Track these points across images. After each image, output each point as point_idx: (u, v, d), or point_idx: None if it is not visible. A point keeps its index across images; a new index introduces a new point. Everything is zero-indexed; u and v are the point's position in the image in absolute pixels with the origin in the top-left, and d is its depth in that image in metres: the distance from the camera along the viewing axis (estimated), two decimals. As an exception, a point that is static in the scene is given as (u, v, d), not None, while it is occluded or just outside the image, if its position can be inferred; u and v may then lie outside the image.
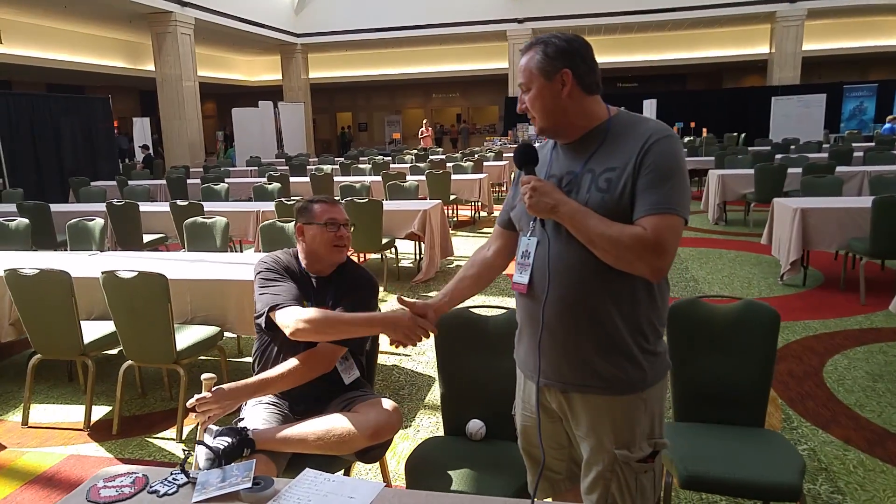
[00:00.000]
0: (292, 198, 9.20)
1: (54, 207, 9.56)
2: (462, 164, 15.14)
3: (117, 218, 8.96)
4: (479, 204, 13.84)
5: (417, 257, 9.73)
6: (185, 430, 4.59)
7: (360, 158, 19.84)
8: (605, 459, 2.13)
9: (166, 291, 4.30)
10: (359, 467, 3.81)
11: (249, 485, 1.99)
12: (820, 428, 4.39)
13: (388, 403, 2.97)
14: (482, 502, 2.02)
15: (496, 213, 3.21)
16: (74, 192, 13.23)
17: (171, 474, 2.09)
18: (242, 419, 2.94)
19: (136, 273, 4.31)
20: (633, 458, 2.12)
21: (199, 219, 6.91)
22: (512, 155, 2.70)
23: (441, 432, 3.25)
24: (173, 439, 4.52)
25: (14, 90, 23.84)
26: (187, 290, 4.96)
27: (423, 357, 5.92)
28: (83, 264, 5.69)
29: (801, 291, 7.64)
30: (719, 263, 9.07)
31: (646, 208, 1.97)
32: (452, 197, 12.48)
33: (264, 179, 12.80)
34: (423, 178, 12.23)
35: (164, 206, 9.38)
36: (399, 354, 5.99)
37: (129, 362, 4.63)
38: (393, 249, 8.80)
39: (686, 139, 21.60)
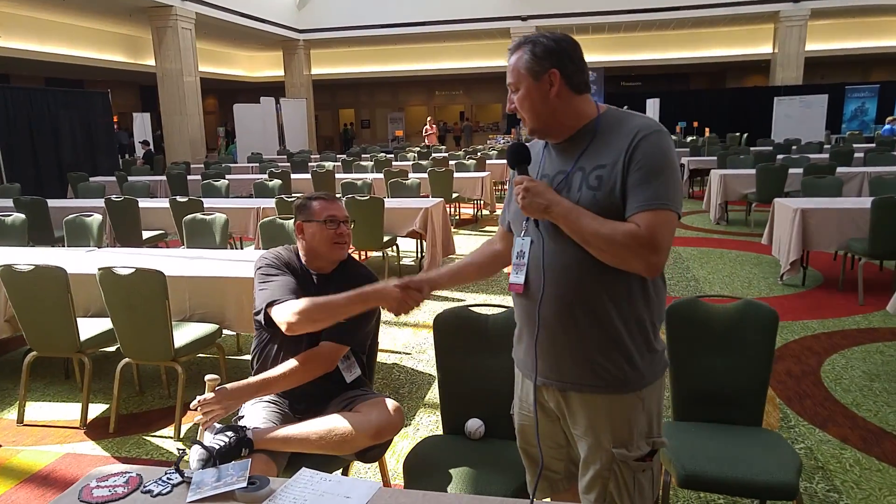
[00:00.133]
0: (293, 195, 9.20)
1: (52, 203, 9.56)
2: (464, 161, 15.13)
3: (116, 214, 8.95)
4: (482, 202, 13.81)
5: (419, 255, 9.74)
6: (184, 429, 4.58)
7: (363, 155, 19.82)
8: (602, 458, 2.13)
9: (164, 288, 4.28)
10: (357, 465, 3.80)
11: (244, 484, 1.98)
12: (817, 427, 4.41)
13: (390, 403, 2.96)
14: (479, 502, 2.01)
15: (498, 212, 3.21)
16: (73, 187, 13.22)
17: (166, 474, 2.07)
18: (242, 417, 2.93)
19: (134, 270, 4.30)
20: (631, 456, 2.12)
21: (199, 215, 6.90)
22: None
23: (440, 431, 3.24)
24: (171, 437, 4.50)
25: (12, 84, 23.77)
26: (186, 287, 4.95)
27: (423, 355, 5.91)
28: (80, 261, 5.67)
29: (801, 291, 7.65)
30: (720, 263, 9.07)
31: (638, 205, 1.97)
32: (454, 195, 12.45)
33: (265, 176, 12.78)
34: (426, 175, 12.21)
35: (163, 203, 9.36)
36: (399, 353, 5.98)
37: (127, 360, 4.62)
38: (394, 247, 8.78)
39: (689, 139, 21.62)
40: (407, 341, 6.29)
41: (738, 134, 22.74)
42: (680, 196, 2.04)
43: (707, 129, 22.41)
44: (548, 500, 2.46)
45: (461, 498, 2.02)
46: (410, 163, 15.95)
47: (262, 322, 2.93)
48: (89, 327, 4.84)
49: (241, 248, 8.77)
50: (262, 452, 2.64)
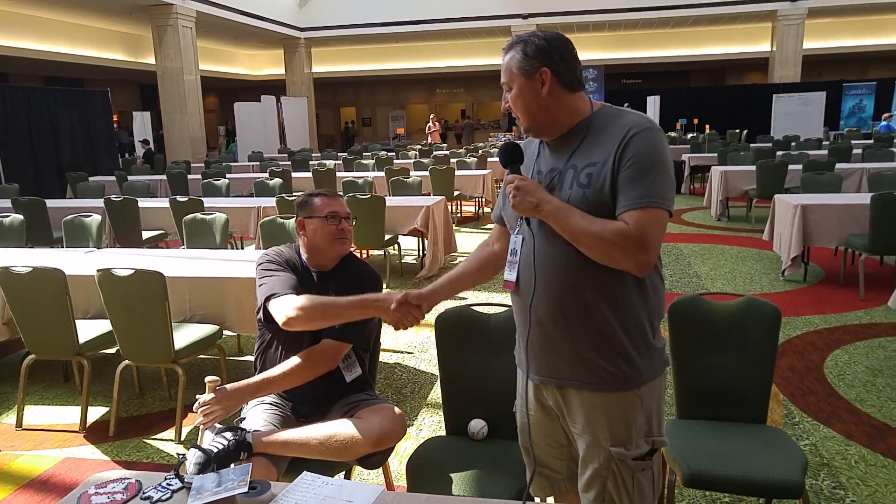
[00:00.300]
0: (294, 193, 9.17)
1: (51, 203, 9.53)
2: (466, 159, 15.13)
3: (116, 214, 8.93)
4: (483, 200, 13.83)
5: (421, 254, 9.71)
6: (185, 431, 4.55)
7: (364, 154, 19.80)
8: (601, 457, 2.13)
9: (164, 289, 4.26)
10: (359, 468, 3.77)
11: (245, 489, 1.96)
12: (821, 423, 4.40)
13: (392, 410, 2.94)
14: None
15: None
16: (72, 187, 13.18)
17: (165, 479, 2.05)
18: (243, 419, 2.91)
19: (133, 271, 4.27)
20: (630, 455, 2.11)
21: (199, 215, 6.88)
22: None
23: (443, 431, 3.22)
24: (172, 440, 4.48)
25: (11, 83, 23.76)
26: (186, 287, 4.92)
27: (425, 355, 5.90)
28: (79, 262, 5.65)
29: (802, 287, 7.65)
30: (722, 259, 9.07)
31: (627, 203, 1.97)
32: (456, 193, 12.46)
33: (266, 175, 12.76)
34: (427, 173, 12.21)
35: (163, 203, 9.34)
36: (401, 352, 5.97)
37: (126, 362, 4.59)
38: (396, 246, 8.76)
39: (689, 135, 21.64)
40: (409, 341, 6.28)
41: (737, 131, 22.75)
42: (672, 193, 2.03)
43: (707, 126, 22.42)
44: (550, 499, 2.44)
45: (464, 500, 2.00)
46: (412, 161, 15.94)
47: (262, 318, 2.92)
48: (88, 329, 4.81)
49: (242, 248, 8.75)
50: (263, 456, 2.62)
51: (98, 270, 4.31)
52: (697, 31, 31.43)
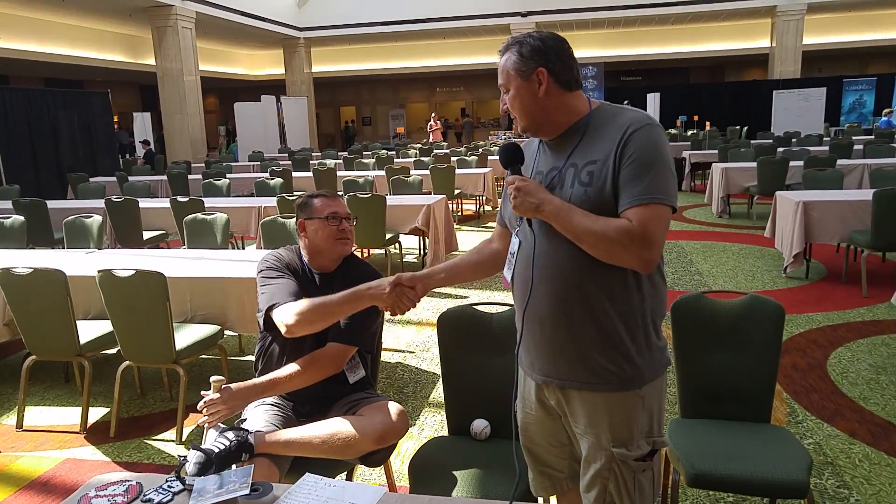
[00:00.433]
0: (294, 193, 9.16)
1: (51, 204, 9.52)
2: (466, 158, 15.11)
3: (116, 215, 8.92)
4: (484, 198, 13.82)
5: (422, 253, 9.71)
6: (186, 432, 4.53)
7: (364, 153, 19.79)
8: (602, 457, 2.12)
9: (165, 290, 4.25)
10: (361, 468, 3.77)
11: (247, 491, 1.95)
12: (825, 421, 4.38)
13: (394, 407, 2.93)
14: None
15: (500, 208, 3.18)
16: (73, 188, 13.19)
17: (167, 481, 2.04)
18: (245, 420, 2.90)
19: (134, 272, 4.26)
20: (631, 456, 2.10)
21: (200, 215, 6.86)
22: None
23: (445, 431, 3.21)
24: (173, 441, 4.46)
25: (11, 85, 23.78)
26: (187, 288, 4.91)
27: (426, 354, 5.88)
28: (80, 263, 5.64)
29: (804, 284, 7.63)
30: (723, 257, 9.05)
31: (630, 200, 1.96)
32: (457, 191, 12.45)
33: (266, 175, 12.76)
34: (428, 172, 12.20)
35: (164, 203, 9.33)
36: (402, 351, 5.95)
37: (127, 363, 4.58)
38: (397, 245, 8.75)
39: (689, 132, 21.64)
40: (410, 340, 6.27)
41: (738, 127, 22.74)
42: (674, 189, 2.02)
43: (708, 123, 22.43)
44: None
45: (467, 502, 1.99)
46: (412, 160, 15.92)
47: (263, 325, 2.91)
48: (89, 330, 4.80)
49: (243, 248, 8.74)
50: (264, 456, 2.61)
51: (99, 271, 4.30)
52: (697, 27, 31.42)
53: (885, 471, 3.75)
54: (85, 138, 17.50)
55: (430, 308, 6.99)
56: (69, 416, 4.94)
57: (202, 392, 2.64)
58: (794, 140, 17.51)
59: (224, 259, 5.72)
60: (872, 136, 17.87)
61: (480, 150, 18.19)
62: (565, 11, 27.27)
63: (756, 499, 3.51)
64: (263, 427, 2.79)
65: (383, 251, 8.68)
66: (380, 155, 17.12)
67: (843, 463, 3.84)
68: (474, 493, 2.59)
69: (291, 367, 2.88)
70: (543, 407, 2.28)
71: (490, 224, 12.71)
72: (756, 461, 2.72)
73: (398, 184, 10.69)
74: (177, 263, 5.47)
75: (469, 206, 14.85)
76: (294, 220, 4.13)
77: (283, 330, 2.74)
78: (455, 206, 13.56)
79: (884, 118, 21.01)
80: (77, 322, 4.58)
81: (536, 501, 2.51)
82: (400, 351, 5.99)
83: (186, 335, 4.64)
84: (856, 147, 14.05)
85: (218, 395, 2.61)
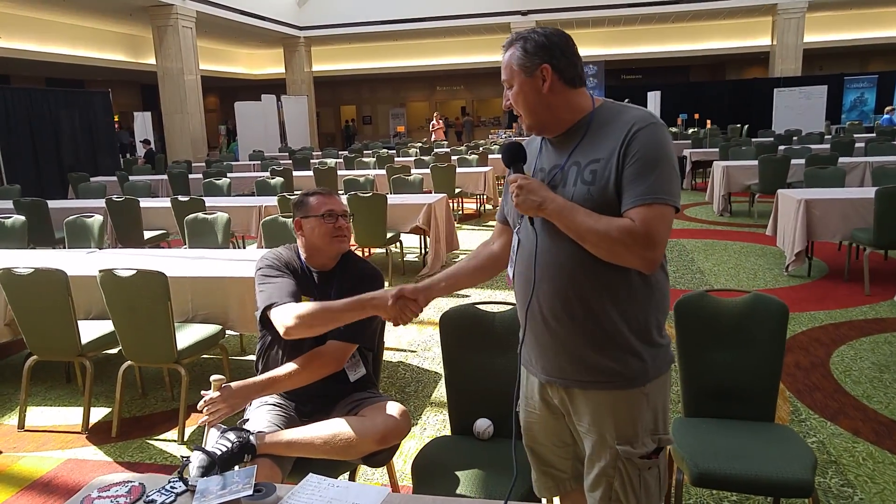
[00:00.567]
0: (295, 192, 9.15)
1: (52, 204, 9.52)
2: (467, 156, 15.10)
3: (117, 214, 8.92)
4: (485, 197, 13.83)
5: (422, 251, 9.69)
6: (188, 431, 4.53)
7: (365, 152, 19.78)
8: (607, 456, 2.11)
9: (166, 290, 4.24)
10: (364, 468, 3.76)
11: (251, 492, 1.94)
12: (828, 420, 4.37)
13: (396, 407, 2.91)
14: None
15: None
16: (74, 187, 13.20)
17: (169, 482, 2.03)
18: (247, 420, 2.89)
19: (135, 271, 4.26)
20: (636, 454, 2.09)
21: (201, 215, 6.86)
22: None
23: (447, 430, 3.21)
24: (175, 441, 4.45)
25: (12, 84, 23.77)
26: (188, 287, 4.91)
27: (428, 353, 5.88)
28: (81, 262, 5.63)
29: (806, 282, 7.62)
30: (725, 255, 9.04)
31: (633, 199, 1.95)
32: (457, 190, 12.45)
33: (267, 174, 12.76)
34: (428, 171, 12.20)
35: (165, 202, 9.32)
36: (404, 351, 5.95)
37: (129, 362, 4.57)
38: (398, 244, 8.74)
39: (690, 130, 21.65)
40: (412, 339, 6.26)
41: (739, 125, 22.75)
42: (677, 189, 2.01)
43: (709, 121, 22.43)
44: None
45: (471, 502, 1.99)
46: (413, 159, 15.92)
47: (261, 324, 2.91)
48: (90, 330, 4.79)
49: (244, 248, 8.73)
50: (267, 457, 2.61)
51: (100, 271, 4.30)
52: (697, 25, 31.41)
53: (889, 469, 3.74)
54: (86, 138, 17.50)
55: (431, 307, 6.92)
56: (71, 416, 4.93)
57: (202, 392, 2.64)
58: (795, 138, 17.52)
59: (225, 258, 5.71)
60: (874, 134, 17.87)
61: (481, 148, 18.19)
62: (566, 10, 27.26)
63: (759, 497, 3.50)
64: (265, 427, 2.78)
65: (384, 250, 8.68)
66: (380, 154, 17.13)
67: (847, 461, 3.83)
68: (478, 493, 2.58)
69: (292, 365, 2.87)
70: (547, 406, 2.27)
71: (491, 222, 12.70)
72: (760, 460, 2.71)
73: (399, 183, 10.69)
74: (178, 263, 5.47)
75: (470, 205, 14.85)
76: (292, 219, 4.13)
77: (281, 331, 2.73)
78: (456, 204, 13.55)
79: (885, 116, 21.03)
80: (78, 322, 4.57)
81: (539, 502, 2.50)
82: (401, 350, 5.98)
83: (188, 335, 4.64)
84: (857, 145, 14.05)
85: (218, 393, 2.61)
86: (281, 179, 11.10)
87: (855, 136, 16.71)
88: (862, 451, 3.94)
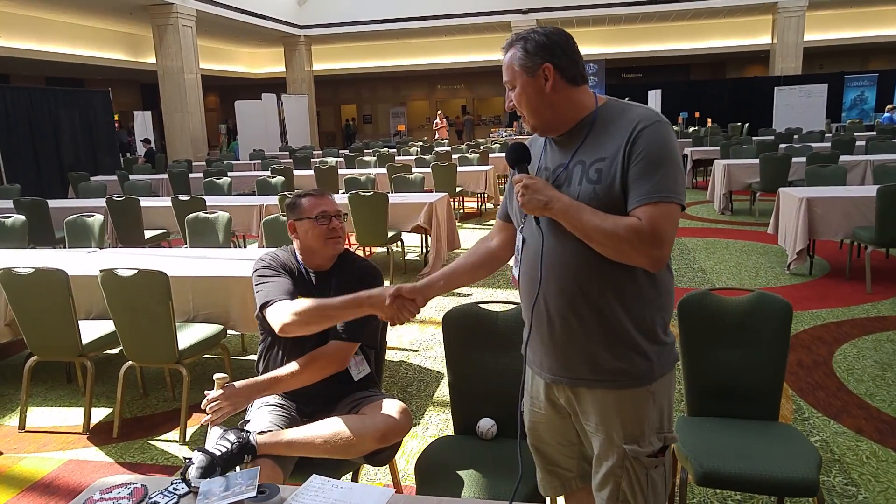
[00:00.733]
0: (296, 191, 9.14)
1: (53, 203, 9.51)
2: (468, 155, 15.10)
3: (118, 214, 8.91)
4: (486, 196, 13.83)
5: (424, 250, 9.69)
6: (189, 432, 4.52)
7: (365, 151, 19.78)
8: (615, 455, 2.10)
9: (167, 289, 4.23)
10: (367, 468, 3.75)
11: (254, 493, 1.93)
12: (831, 418, 4.36)
13: (396, 405, 2.90)
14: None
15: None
16: (74, 187, 13.18)
17: (172, 484, 2.02)
18: (248, 421, 2.89)
19: (136, 271, 4.25)
20: (643, 452, 2.09)
21: (201, 214, 6.86)
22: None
23: (450, 430, 3.20)
24: (176, 441, 4.44)
25: (12, 84, 23.76)
26: (189, 287, 4.90)
27: (430, 352, 5.86)
28: (81, 262, 5.62)
29: (808, 281, 7.61)
30: (726, 253, 9.03)
31: (639, 198, 1.94)
32: (458, 189, 12.45)
33: (268, 173, 12.75)
34: (429, 170, 12.19)
35: (165, 202, 9.31)
36: (406, 350, 5.94)
37: (130, 363, 4.56)
38: (399, 243, 8.74)
39: (691, 129, 21.66)
40: (414, 338, 6.25)
41: (739, 124, 22.74)
42: (682, 187, 2.00)
43: (709, 120, 22.43)
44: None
45: (475, 503, 1.98)
46: (413, 157, 15.91)
47: (261, 323, 2.90)
48: (91, 330, 4.78)
49: (245, 247, 8.73)
50: (268, 458, 2.59)
51: (101, 271, 4.28)
52: (697, 24, 31.41)
53: (893, 468, 3.73)
54: (86, 137, 17.50)
55: (433, 306, 6.96)
56: (72, 416, 4.92)
57: (206, 391, 2.63)
58: (795, 136, 17.50)
59: (226, 258, 5.71)
60: (874, 133, 17.88)
61: (482, 147, 18.18)
62: (566, 9, 27.23)
63: (763, 497, 3.49)
64: (267, 428, 2.77)
65: (385, 249, 8.66)
66: (381, 153, 17.12)
67: (851, 460, 3.83)
68: (481, 494, 2.57)
69: (294, 365, 2.87)
70: (553, 406, 2.27)
71: (492, 221, 12.65)
72: (765, 459, 2.70)
73: (400, 181, 10.68)
74: (179, 263, 5.45)
75: (471, 204, 14.84)
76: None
77: (276, 328, 2.72)
78: (457, 203, 13.55)
79: (886, 114, 21.03)
80: (79, 322, 4.56)
81: (544, 502, 2.49)
82: (403, 349, 5.97)
83: (189, 335, 4.63)
84: (858, 143, 14.04)
85: (221, 392, 2.60)
86: (281, 178, 11.10)
87: (855, 134, 16.72)
88: (865, 450, 3.94)
